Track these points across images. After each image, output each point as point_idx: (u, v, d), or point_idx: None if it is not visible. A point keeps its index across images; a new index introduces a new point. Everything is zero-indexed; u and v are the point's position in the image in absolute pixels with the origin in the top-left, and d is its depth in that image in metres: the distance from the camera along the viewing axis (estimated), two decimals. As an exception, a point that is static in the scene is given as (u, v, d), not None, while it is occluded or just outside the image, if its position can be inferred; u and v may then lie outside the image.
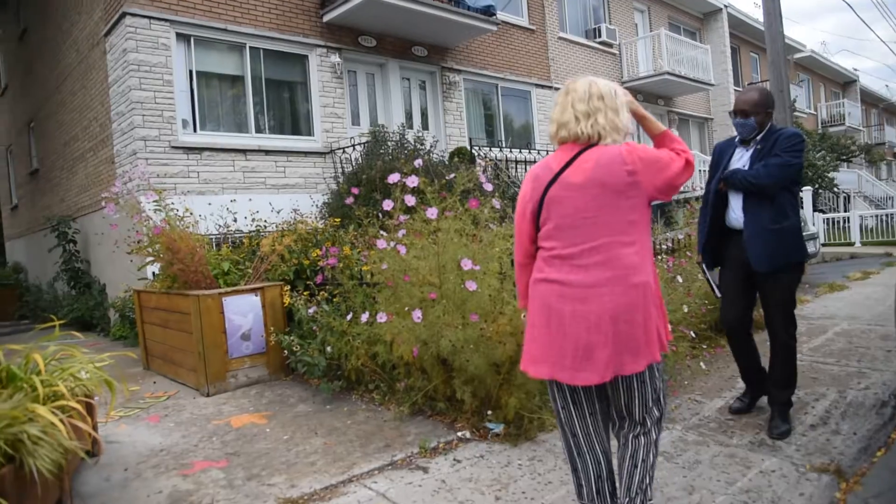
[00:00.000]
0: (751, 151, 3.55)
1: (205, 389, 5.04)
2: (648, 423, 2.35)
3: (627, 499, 2.32)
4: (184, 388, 5.37)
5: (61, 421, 2.70)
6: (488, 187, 3.79)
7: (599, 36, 15.60)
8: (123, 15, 8.06)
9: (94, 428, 3.59)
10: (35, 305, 12.52)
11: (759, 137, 3.55)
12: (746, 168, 3.52)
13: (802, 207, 7.94)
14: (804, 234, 3.73)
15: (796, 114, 17.10)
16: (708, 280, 3.94)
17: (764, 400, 3.86)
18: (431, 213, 3.48)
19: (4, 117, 15.81)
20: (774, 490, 2.86)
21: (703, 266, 3.92)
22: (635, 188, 2.19)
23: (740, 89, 22.16)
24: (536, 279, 2.32)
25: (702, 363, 4.90)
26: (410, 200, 3.59)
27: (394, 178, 3.78)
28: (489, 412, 3.88)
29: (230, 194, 8.49)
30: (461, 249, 3.84)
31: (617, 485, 2.42)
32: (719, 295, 3.83)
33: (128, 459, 3.78)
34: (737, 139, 3.67)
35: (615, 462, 2.47)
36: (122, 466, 3.66)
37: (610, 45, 15.98)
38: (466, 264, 3.48)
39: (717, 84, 18.94)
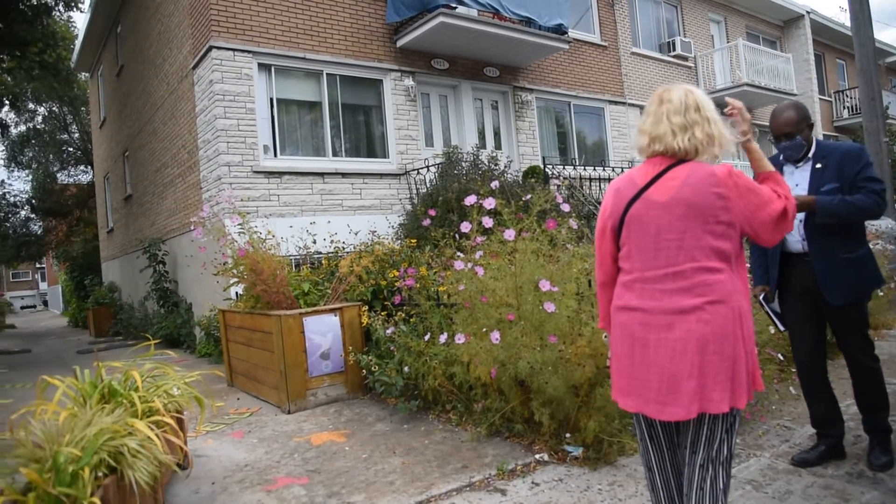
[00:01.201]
0: (808, 170, 3.28)
1: (286, 407, 5.17)
2: (709, 494, 2.10)
3: None
4: (266, 405, 5.53)
5: (157, 435, 2.83)
6: (565, 208, 3.76)
7: (674, 49, 15.27)
8: (210, 48, 8.51)
9: (185, 442, 3.75)
10: (128, 323, 13.26)
11: (810, 154, 3.29)
12: (806, 188, 3.24)
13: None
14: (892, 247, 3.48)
15: (889, 121, 16.16)
16: (768, 313, 3.47)
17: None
18: (509, 234, 3.48)
19: (103, 147, 16.92)
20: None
21: (761, 299, 3.48)
22: (726, 214, 2.01)
23: (827, 98, 21.26)
24: (617, 306, 2.20)
25: (791, 387, 4.66)
26: (488, 223, 3.61)
27: (470, 200, 3.80)
28: (568, 435, 3.81)
29: (309, 216, 8.76)
30: (538, 270, 3.82)
31: None
32: (783, 329, 3.45)
33: (214, 473, 3.91)
34: (780, 157, 3.38)
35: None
36: (209, 480, 3.80)
37: (685, 59, 15.62)
38: (544, 285, 3.46)
39: (800, 93, 18.14)
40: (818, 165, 3.24)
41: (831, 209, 3.11)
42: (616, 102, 13.69)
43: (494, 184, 3.96)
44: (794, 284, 3.35)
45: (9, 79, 14.83)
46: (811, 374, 3.41)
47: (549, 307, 3.53)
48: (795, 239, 3.30)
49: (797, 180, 3.30)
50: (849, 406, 3.84)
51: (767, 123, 3.53)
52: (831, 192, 3.15)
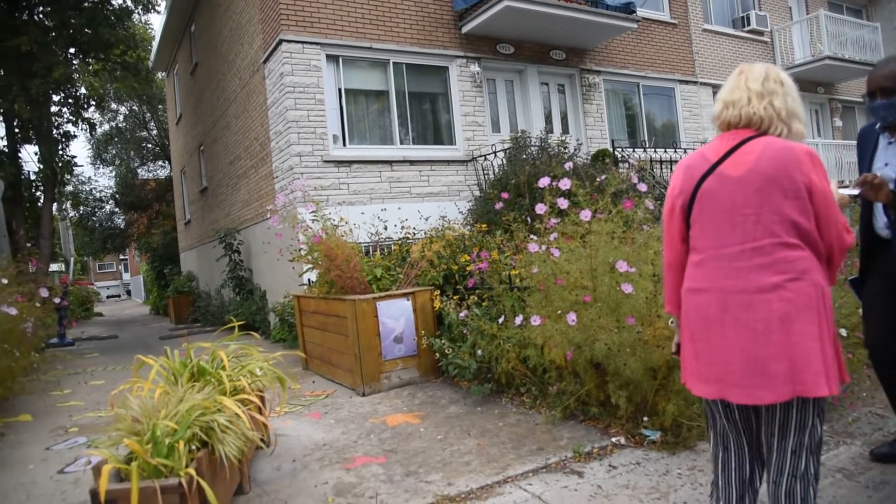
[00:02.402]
0: (885, 142, 2.84)
1: (360, 389, 5.28)
2: (804, 483, 2.01)
3: None
4: (340, 388, 5.67)
5: (244, 412, 2.94)
6: (642, 187, 3.67)
7: (748, 24, 14.61)
8: (280, 42, 8.71)
9: (268, 421, 3.88)
10: (206, 310, 13.82)
11: None
12: (893, 168, 2.80)
13: None
14: None
15: None
16: (856, 295, 3.21)
17: None
18: (585, 214, 3.43)
19: (179, 143, 17.64)
20: None
21: (850, 281, 3.21)
22: (805, 192, 1.93)
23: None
24: (689, 288, 2.09)
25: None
26: (563, 204, 3.56)
27: (544, 181, 3.77)
28: (645, 418, 3.74)
29: (378, 204, 8.88)
30: (614, 252, 3.75)
31: None
32: None
33: (295, 452, 4.04)
34: (878, 125, 2.92)
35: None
36: (290, 458, 3.92)
37: (761, 33, 14.92)
38: (622, 266, 3.39)
39: (888, 66, 17.08)
40: None
41: None
42: (687, 82, 13.24)
43: (568, 165, 3.91)
44: (876, 268, 3.00)
45: (94, 81, 15.63)
46: (880, 360, 3.02)
47: (627, 288, 3.46)
48: (881, 224, 2.91)
49: (888, 158, 2.85)
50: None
51: (851, 97, 3.19)
52: None
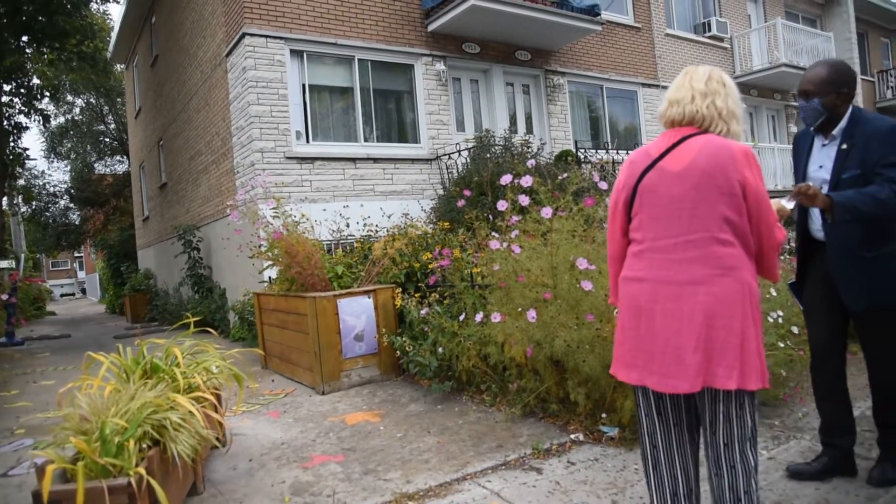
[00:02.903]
0: (834, 149, 2.78)
1: (320, 388, 5.22)
2: (743, 474, 2.05)
3: None
4: (300, 387, 5.59)
5: (198, 410, 2.87)
6: (603, 185, 3.70)
7: (709, 30, 14.93)
8: (243, 35, 8.56)
9: (223, 419, 3.81)
10: (163, 309, 13.51)
11: (840, 130, 2.77)
12: (829, 170, 2.76)
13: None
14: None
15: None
16: (796, 298, 3.15)
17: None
18: (546, 212, 3.44)
19: (138, 137, 17.23)
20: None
21: (789, 285, 3.17)
22: (740, 189, 2.00)
23: (869, 78, 20.60)
24: (626, 277, 2.17)
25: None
26: (525, 200, 3.57)
27: (506, 179, 3.77)
28: (603, 415, 3.77)
29: (341, 201, 8.80)
30: (574, 249, 3.77)
31: None
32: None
33: (252, 451, 3.97)
34: (812, 129, 2.91)
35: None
36: (247, 457, 3.85)
37: (721, 39, 15.25)
38: (582, 264, 3.41)
39: (841, 75, 17.65)
40: (844, 146, 2.73)
41: (849, 205, 2.57)
42: (649, 85, 13.45)
43: (531, 162, 3.92)
44: (814, 270, 2.95)
45: (48, 72, 15.14)
46: (821, 369, 2.96)
47: (587, 285, 3.48)
48: (816, 226, 2.88)
49: (822, 160, 2.84)
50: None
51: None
52: (853, 181, 2.66)
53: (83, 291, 50.84)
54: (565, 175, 4.22)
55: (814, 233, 2.91)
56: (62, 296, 50.00)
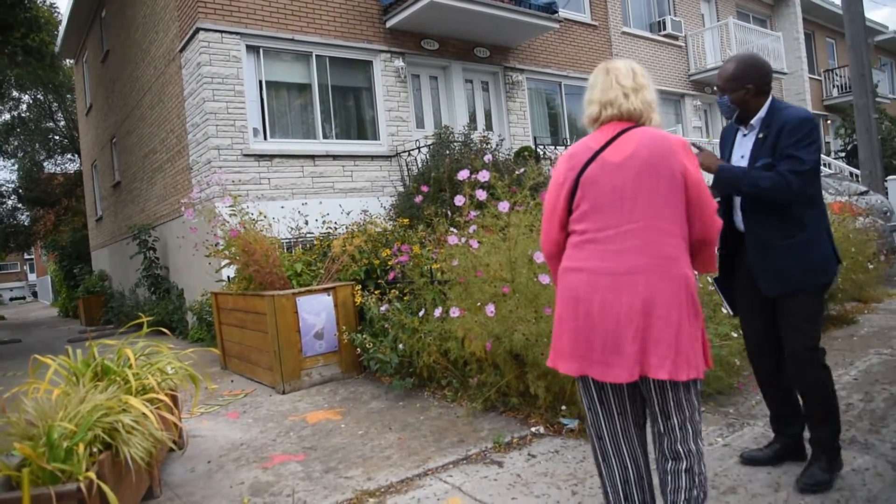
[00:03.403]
0: (752, 139, 2.84)
1: (280, 387, 5.16)
2: (689, 459, 2.07)
3: None
4: (260, 387, 5.52)
5: (152, 412, 2.81)
6: (559, 180, 3.73)
7: (664, 29, 15.22)
8: (197, 31, 8.39)
9: (180, 420, 3.73)
10: (119, 311, 13.18)
11: (758, 119, 2.81)
12: (746, 160, 2.83)
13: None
14: (889, 223, 3.05)
15: (879, 99, 16.19)
16: (719, 293, 3.16)
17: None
18: (503, 206, 3.46)
19: (90, 135, 16.74)
20: (869, 489, 2.69)
21: (714, 280, 3.18)
22: (681, 178, 2.05)
23: (817, 77, 21.26)
24: (565, 268, 2.15)
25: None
26: (482, 195, 3.59)
27: (463, 174, 3.78)
28: (563, 407, 3.82)
29: (300, 199, 8.70)
30: (532, 244, 3.80)
31: None
32: (731, 312, 3.12)
33: (210, 452, 3.90)
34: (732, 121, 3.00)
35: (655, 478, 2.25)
36: (205, 459, 3.79)
37: (675, 38, 15.56)
38: (539, 257, 3.45)
39: (790, 73, 18.21)
40: (761, 135, 2.79)
41: (729, 178, 2.73)
42: (607, 83, 13.62)
43: (488, 157, 3.94)
44: (740, 267, 2.98)
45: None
46: (760, 365, 3.03)
47: (544, 279, 3.52)
48: (739, 218, 2.91)
49: (743, 150, 2.90)
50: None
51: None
52: (764, 169, 2.72)
53: (34, 295, 49.28)
54: (522, 170, 4.25)
55: (737, 224, 2.93)
56: (12, 300, 48.37)
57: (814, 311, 2.77)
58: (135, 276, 11.78)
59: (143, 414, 2.77)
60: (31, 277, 54.06)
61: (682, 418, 2.08)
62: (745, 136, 2.92)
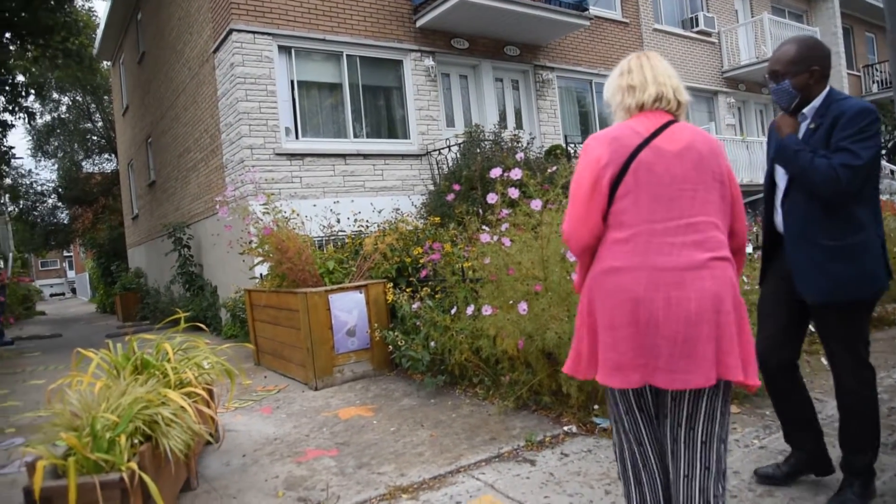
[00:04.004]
0: (802, 131, 2.59)
1: (313, 383, 5.22)
2: (714, 473, 1.93)
3: None
4: (293, 383, 5.59)
5: (189, 405, 2.87)
6: (592, 177, 3.70)
7: (697, 25, 14.99)
8: (230, 32, 8.52)
9: (216, 415, 3.80)
10: (154, 307, 13.45)
11: (811, 108, 2.57)
12: None
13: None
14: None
15: (921, 96, 15.73)
16: None
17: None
18: (535, 204, 3.45)
19: (126, 135, 17.10)
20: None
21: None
22: (727, 178, 1.98)
23: (855, 73, 20.74)
24: (611, 268, 1.91)
25: (822, 359, 4.58)
26: (514, 193, 3.58)
27: (496, 172, 3.77)
28: (596, 406, 3.79)
29: (332, 197, 8.79)
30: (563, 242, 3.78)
31: None
32: None
33: (245, 446, 3.96)
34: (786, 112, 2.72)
35: None
36: (240, 453, 3.84)
37: (708, 34, 15.31)
38: (571, 255, 3.42)
39: (828, 69, 17.77)
40: (812, 125, 2.55)
41: (788, 152, 2.53)
42: (638, 80, 13.47)
43: (520, 155, 3.93)
44: (773, 265, 2.80)
45: (33, 69, 14.99)
46: (770, 369, 2.75)
47: (577, 278, 3.49)
48: (779, 218, 2.70)
49: None
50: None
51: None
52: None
53: (73, 291, 50.49)
54: (554, 168, 4.22)
55: (777, 225, 2.73)
56: (52, 296, 49.62)
57: (860, 324, 2.53)
58: (170, 274, 12.01)
59: (182, 407, 2.83)
60: (71, 274, 55.49)
61: (717, 429, 1.95)
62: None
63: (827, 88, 2.56)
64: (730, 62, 15.48)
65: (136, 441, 2.60)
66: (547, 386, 4.02)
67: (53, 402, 2.85)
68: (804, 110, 2.59)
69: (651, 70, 2.04)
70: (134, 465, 2.40)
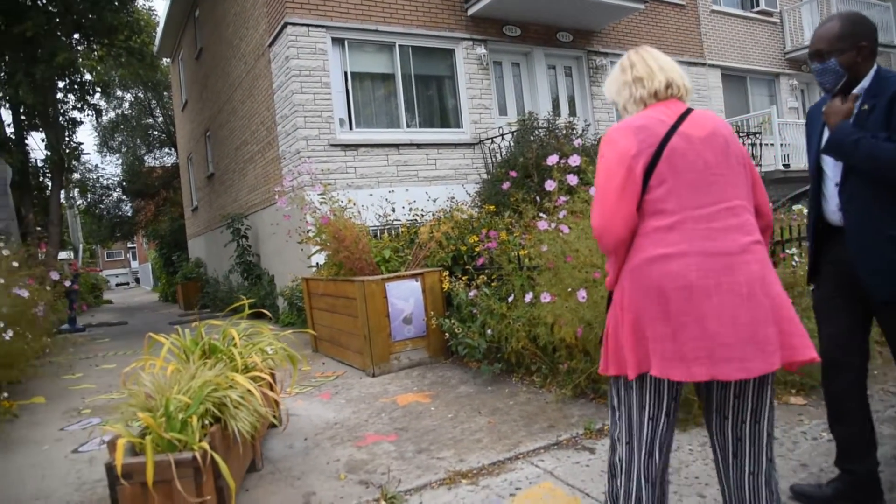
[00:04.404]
0: (854, 112, 2.38)
1: (370, 370, 5.30)
2: (772, 464, 1.92)
3: None
4: (350, 369, 5.68)
5: (256, 389, 2.95)
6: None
7: (757, 5, 14.46)
8: (285, 25, 8.67)
9: (279, 399, 3.90)
10: (214, 296, 13.86)
11: (862, 88, 2.37)
12: None
13: None
14: None
15: None
16: None
17: None
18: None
19: (185, 129, 17.63)
20: None
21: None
22: (748, 166, 1.97)
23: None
24: (657, 256, 1.83)
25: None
26: (573, 180, 3.54)
27: (552, 159, 3.74)
28: (656, 396, 3.73)
29: (385, 187, 8.87)
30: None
31: None
32: None
33: (306, 430, 4.06)
34: (831, 94, 2.49)
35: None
36: (301, 436, 3.94)
37: (770, 14, 14.75)
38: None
39: (900, 47, 16.93)
40: (865, 107, 2.33)
41: (841, 141, 2.30)
42: (695, 64, 13.11)
43: (578, 142, 3.87)
44: (829, 262, 2.55)
45: (100, 67, 15.63)
46: (837, 379, 2.52)
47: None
48: (832, 208, 2.47)
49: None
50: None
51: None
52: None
53: (137, 280, 52.49)
54: (613, 154, 4.15)
55: (828, 216, 2.51)
56: (117, 285, 51.71)
57: None
58: (228, 263, 12.35)
59: (249, 390, 2.91)
60: (134, 265, 57.74)
61: (772, 420, 1.92)
62: None
63: (875, 66, 2.38)
64: (793, 42, 14.88)
65: (206, 422, 2.70)
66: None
67: (128, 384, 2.97)
68: (854, 90, 2.38)
69: (654, 60, 2.04)
70: (206, 444, 2.49)
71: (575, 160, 3.43)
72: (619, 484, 1.98)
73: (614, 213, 1.89)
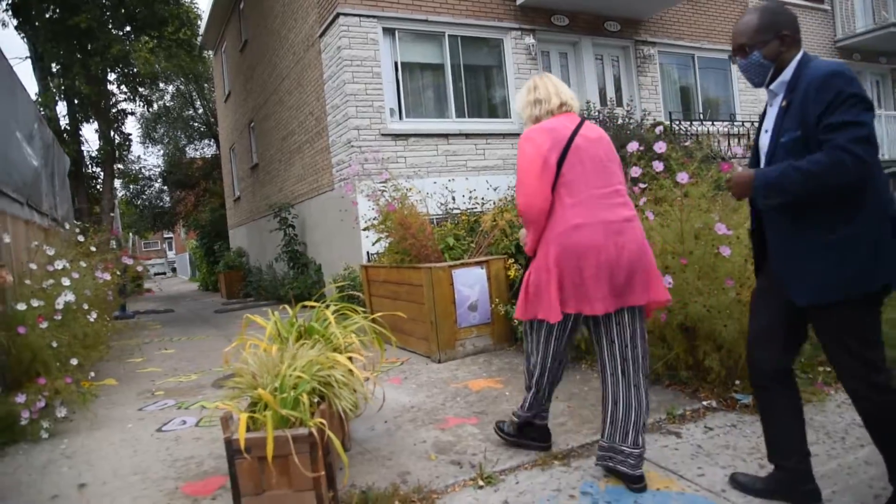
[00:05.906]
0: (775, 111, 2.30)
1: (436, 356, 5.37)
2: (642, 377, 2.71)
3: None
4: (414, 356, 5.76)
5: (356, 369, 3.03)
6: (737, 150, 3.62)
7: (807, -8, 14.18)
8: (337, 16, 8.75)
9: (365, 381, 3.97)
10: (258, 285, 14.08)
11: (780, 83, 2.30)
12: (770, 134, 2.30)
13: None
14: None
15: None
16: None
17: None
18: (682, 177, 3.41)
19: (228, 120, 17.88)
20: None
21: None
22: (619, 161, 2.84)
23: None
24: (574, 225, 2.57)
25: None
26: (659, 166, 3.54)
27: (633, 146, 3.74)
28: (737, 382, 3.74)
29: (434, 177, 8.93)
30: (704, 215, 3.72)
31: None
32: None
33: (384, 413, 4.12)
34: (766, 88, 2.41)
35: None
36: (381, 419, 4.02)
37: (821, 1, 14.44)
38: (720, 229, 3.38)
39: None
40: (784, 102, 2.24)
41: (775, 186, 2.14)
42: (743, 52, 12.89)
43: (659, 129, 3.87)
44: (762, 262, 2.52)
45: (150, 59, 15.92)
46: (756, 374, 2.52)
47: (725, 251, 3.44)
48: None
49: (768, 124, 2.36)
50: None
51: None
52: (791, 146, 2.17)
53: (173, 270, 53.42)
54: (688, 142, 4.14)
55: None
56: (155, 274, 52.70)
57: (867, 324, 2.18)
58: (273, 252, 12.54)
59: (350, 370, 2.99)
60: (170, 255, 58.81)
61: (645, 346, 2.73)
62: (770, 106, 2.39)
63: (799, 54, 2.29)
64: (844, 30, 14.56)
65: (314, 400, 2.78)
66: (684, 361, 3.98)
67: (232, 363, 3.07)
68: (772, 87, 2.33)
69: (553, 85, 2.85)
70: (321, 420, 2.57)
71: (661, 147, 3.43)
72: (534, 372, 3.06)
73: (535, 194, 2.65)
